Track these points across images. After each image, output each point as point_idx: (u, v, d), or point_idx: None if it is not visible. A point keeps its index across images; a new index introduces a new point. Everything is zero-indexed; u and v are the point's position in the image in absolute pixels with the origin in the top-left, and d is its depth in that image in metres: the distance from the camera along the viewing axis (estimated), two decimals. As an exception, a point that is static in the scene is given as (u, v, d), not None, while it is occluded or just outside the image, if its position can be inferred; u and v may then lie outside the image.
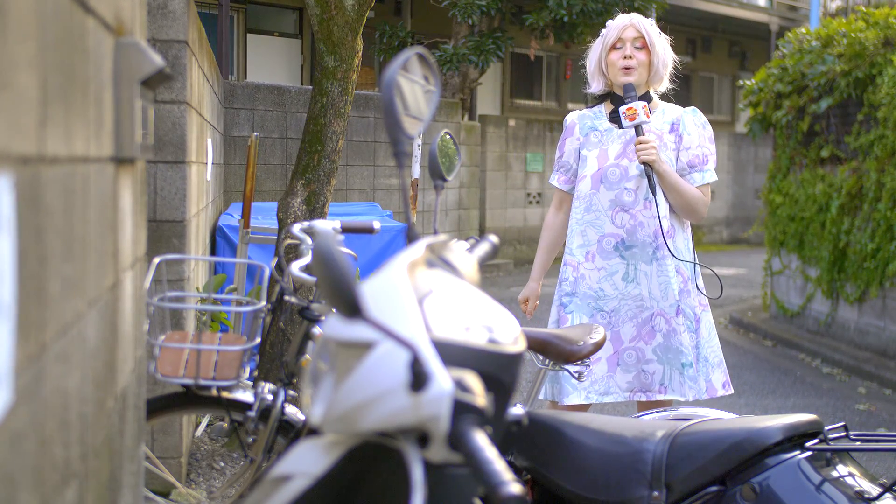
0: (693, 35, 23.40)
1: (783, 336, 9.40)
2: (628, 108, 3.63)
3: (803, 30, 9.96)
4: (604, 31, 3.86)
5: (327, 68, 4.75)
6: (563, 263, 3.87)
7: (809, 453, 2.04)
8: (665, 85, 3.89)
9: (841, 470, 2.06)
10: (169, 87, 4.10)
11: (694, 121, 3.82)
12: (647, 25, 3.80)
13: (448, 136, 2.34)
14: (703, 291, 3.83)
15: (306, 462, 1.59)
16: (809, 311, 9.50)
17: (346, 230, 3.32)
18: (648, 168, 3.60)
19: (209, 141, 5.86)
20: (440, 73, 13.01)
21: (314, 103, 4.79)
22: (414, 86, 1.78)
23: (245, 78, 15.22)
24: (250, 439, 3.12)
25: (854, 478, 2.06)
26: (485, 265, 2.07)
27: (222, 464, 4.84)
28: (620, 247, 3.72)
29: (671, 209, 3.75)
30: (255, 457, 3.10)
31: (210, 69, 6.13)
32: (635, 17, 3.82)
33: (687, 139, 3.76)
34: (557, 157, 3.98)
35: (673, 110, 3.83)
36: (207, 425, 5.26)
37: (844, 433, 2.14)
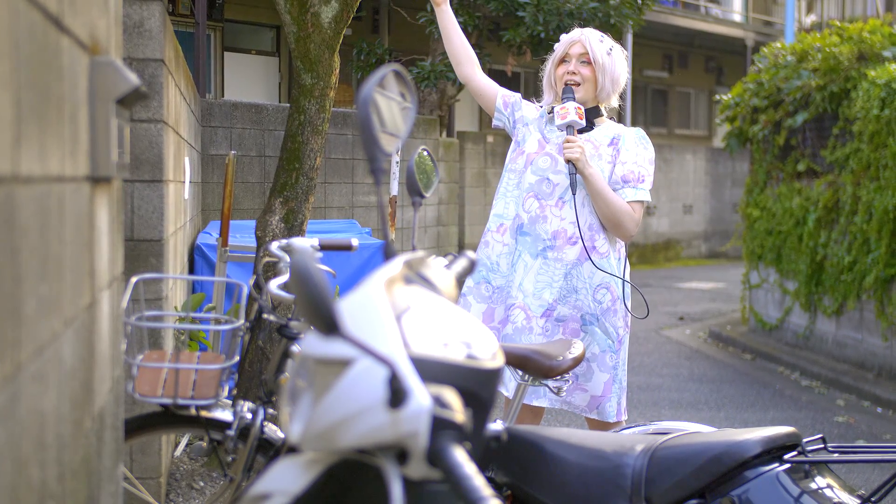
0: (670, 51, 23.55)
1: (762, 349, 9.44)
2: (561, 108, 3.70)
3: (779, 45, 10.04)
4: (556, 46, 3.93)
5: (304, 86, 4.74)
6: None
7: (788, 466, 2.05)
8: (615, 101, 3.92)
9: (819, 482, 2.07)
10: (145, 105, 4.09)
11: (636, 139, 3.84)
12: (594, 41, 3.83)
13: (425, 153, 2.34)
14: (631, 312, 3.83)
15: (285, 480, 1.58)
16: (788, 324, 9.54)
17: (324, 248, 3.31)
18: (572, 167, 3.65)
19: (186, 159, 5.85)
20: (418, 89, 13.03)
21: (292, 121, 4.78)
22: (390, 103, 1.79)
23: (222, 96, 15.20)
24: (230, 458, 3.11)
25: (832, 489, 2.06)
26: (463, 281, 2.08)
27: (202, 483, 4.82)
28: (518, 231, 3.77)
29: (602, 226, 3.78)
30: (235, 476, 3.09)
31: (187, 87, 6.12)
32: (585, 33, 3.86)
33: (624, 154, 3.78)
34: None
35: (617, 128, 3.87)
36: (187, 445, 5.23)
37: (822, 445, 2.15)
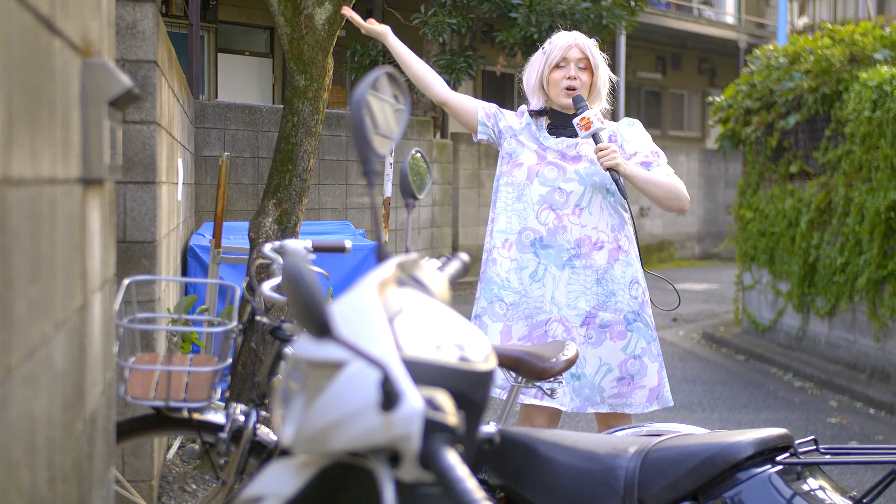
0: (663, 52, 23.57)
1: (755, 350, 9.44)
2: (581, 119, 3.66)
3: (771, 47, 10.05)
4: (545, 47, 3.88)
5: (298, 87, 4.74)
6: (483, 251, 3.93)
7: (780, 467, 2.05)
8: (603, 104, 3.91)
9: (812, 483, 2.07)
10: (138, 107, 4.09)
11: (631, 130, 3.86)
12: (592, 46, 3.85)
13: (419, 155, 2.34)
14: (659, 306, 3.93)
15: (278, 483, 1.58)
16: (781, 325, 9.55)
17: (317, 249, 3.30)
18: (614, 173, 3.63)
19: (180, 161, 5.84)
20: (411, 91, 13.02)
21: (285, 122, 4.78)
22: (384, 104, 1.78)
23: (216, 97, 15.18)
24: (222, 461, 3.10)
25: (825, 491, 2.07)
26: (456, 283, 2.07)
27: (194, 486, 4.81)
28: (537, 244, 3.74)
29: (621, 225, 3.78)
30: (227, 478, 3.08)
31: (180, 89, 6.11)
32: (579, 38, 3.85)
33: (629, 147, 3.79)
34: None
35: (609, 124, 3.85)
36: (179, 447, 5.22)
37: (815, 447, 2.15)
